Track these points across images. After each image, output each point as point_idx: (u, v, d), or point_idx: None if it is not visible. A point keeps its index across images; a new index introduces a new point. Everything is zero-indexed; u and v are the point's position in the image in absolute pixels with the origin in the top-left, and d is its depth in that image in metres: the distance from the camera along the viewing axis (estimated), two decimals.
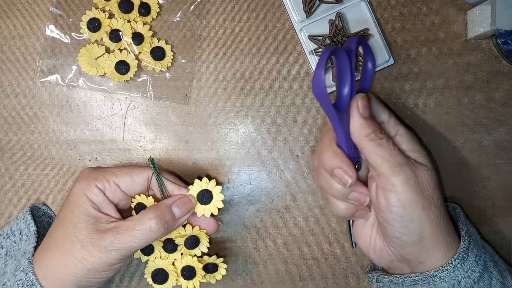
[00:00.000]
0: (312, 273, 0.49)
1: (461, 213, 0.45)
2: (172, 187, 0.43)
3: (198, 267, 0.44)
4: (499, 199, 0.49)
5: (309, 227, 0.49)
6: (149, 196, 0.43)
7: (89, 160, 0.48)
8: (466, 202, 0.49)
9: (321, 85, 0.37)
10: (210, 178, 0.43)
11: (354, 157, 0.41)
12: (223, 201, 0.43)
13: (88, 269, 0.39)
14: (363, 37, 0.42)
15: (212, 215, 0.43)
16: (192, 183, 0.43)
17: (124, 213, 0.43)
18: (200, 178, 0.43)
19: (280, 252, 0.49)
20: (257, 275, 0.48)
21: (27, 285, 0.39)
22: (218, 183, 0.43)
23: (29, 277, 0.39)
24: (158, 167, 0.43)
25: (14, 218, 0.46)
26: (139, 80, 0.48)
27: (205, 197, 0.43)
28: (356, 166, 0.41)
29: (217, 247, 0.49)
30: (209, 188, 0.43)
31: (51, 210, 0.48)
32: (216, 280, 0.45)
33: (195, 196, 0.43)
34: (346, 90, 0.40)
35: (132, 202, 0.43)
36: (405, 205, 0.38)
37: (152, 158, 0.43)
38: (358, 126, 0.39)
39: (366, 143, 0.39)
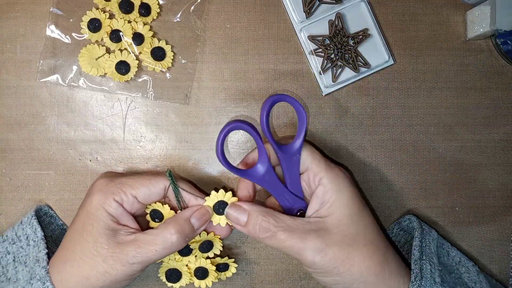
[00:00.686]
0: None
1: (416, 241, 0.43)
2: (189, 197, 0.43)
3: (211, 269, 0.44)
4: (498, 198, 0.49)
5: None
6: (165, 203, 0.43)
7: (90, 160, 0.48)
8: (465, 201, 0.49)
9: (221, 162, 0.41)
10: (226, 190, 0.43)
11: (296, 206, 0.43)
12: None
13: (111, 281, 0.39)
14: (284, 95, 0.42)
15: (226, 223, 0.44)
16: (207, 193, 0.43)
17: (140, 217, 0.43)
18: (217, 190, 0.43)
19: (280, 252, 0.49)
20: (257, 275, 0.49)
21: None
22: (234, 195, 0.43)
23: (47, 287, 0.39)
24: (174, 176, 0.43)
25: (18, 222, 0.45)
26: (140, 80, 0.48)
27: (221, 208, 0.43)
28: (299, 214, 0.43)
29: None
30: (225, 200, 0.43)
31: (52, 209, 0.48)
32: (226, 277, 0.46)
33: (212, 206, 0.43)
34: (261, 169, 0.42)
35: (147, 208, 0.43)
36: (329, 273, 0.39)
37: (170, 171, 0.43)
38: (251, 234, 0.41)
39: (265, 242, 0.40)
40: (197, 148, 0.49)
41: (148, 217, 0.44)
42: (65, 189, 0.48)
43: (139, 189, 0.41)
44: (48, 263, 0.40)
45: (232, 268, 0.46)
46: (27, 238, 0.44)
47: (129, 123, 0.48)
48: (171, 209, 0.43)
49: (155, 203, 0.43)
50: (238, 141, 0.49)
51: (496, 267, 0.48)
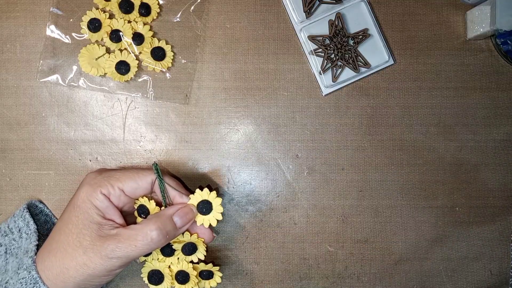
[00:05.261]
0: (312, 273, 0.49)
1: None
2: (174, 193, 0.43)
3: (192, 273, 0.44)
4: (498, 198, 0.49)
5: (309, 227, 0.49)
6: (151, 199, 0.43)
7: (90, 160, 0.48)
8: (465, 201, 0.49)
9: None
10: (211, 189, 0.43)
11: None
12: (222, 213, 0.43)
13: (89, 274, 0.39)
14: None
15: (210, 225, 0.43)
16: (193, 191, 0.43)
17: (128, 216, 0.43)
18: (202, 188, 0.43)
19: (280, 252, 0.49)
20: (257, 275, 0.49)
21: (30, 283, 0.39)
22: (219, 195, 0.43)
23: (32, 276, 0.39)
24: (161, 171, 0.43)
25: (11, 215, 0.46)
26: (140, 80, 0.48)
27: (205, 207, 0.42)
28: None
29: (217, 248, 0.49)
30: (210, 199, 0.43)
31: (47, 208, 0.48)
32: (211, 286, 0.46)
33: (195, 205, 0.43)
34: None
35: (135, 203, 0.43)
36: None
37: (156, 164, 0.43)
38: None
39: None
40: (197, 148, 0.49)
41: (135, 213, 0.44)
42: (65, 189, 0.48)
43: (126, 182, 0.42)
44: (36, 253, 0.41)
45: (217, 278, 0.45)
46: (19, 230, 0.44)
47: (129, 123, 0.48)
48: (156, 205, 0.43)
49: (143, 198, 0.43)
50: (238, 141, 0.49)
51: (496, 267, 0.48)
